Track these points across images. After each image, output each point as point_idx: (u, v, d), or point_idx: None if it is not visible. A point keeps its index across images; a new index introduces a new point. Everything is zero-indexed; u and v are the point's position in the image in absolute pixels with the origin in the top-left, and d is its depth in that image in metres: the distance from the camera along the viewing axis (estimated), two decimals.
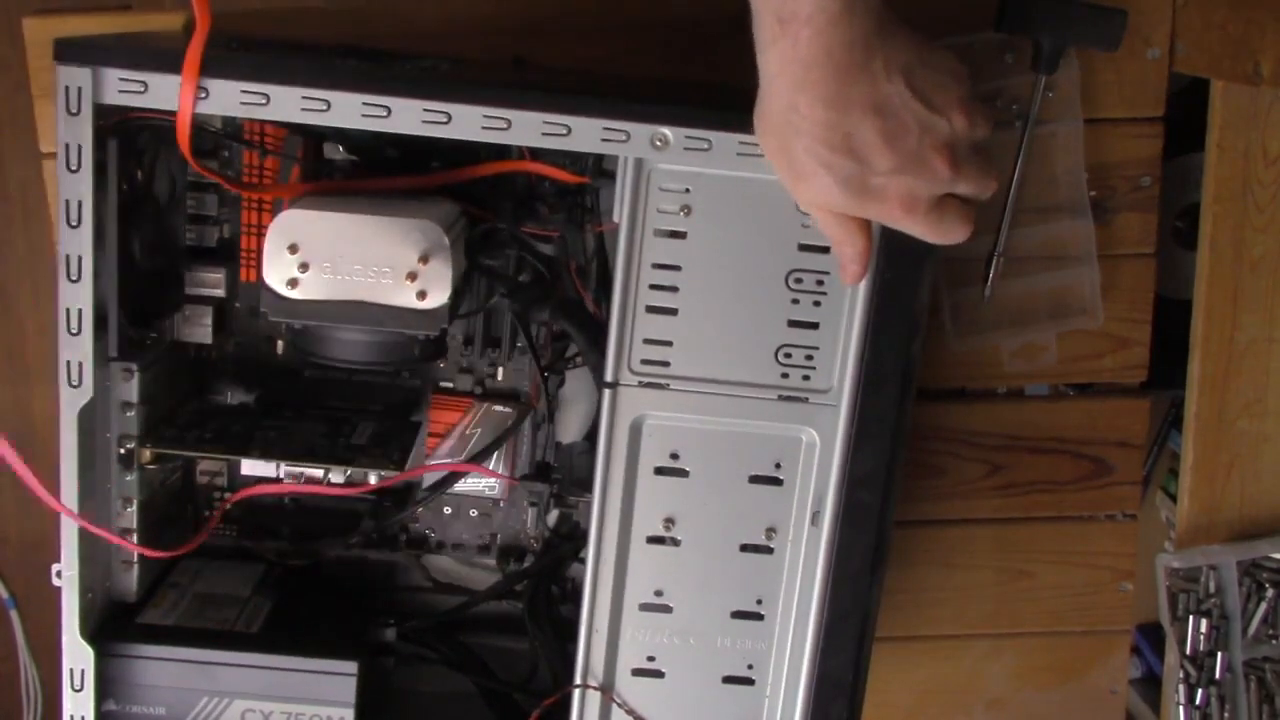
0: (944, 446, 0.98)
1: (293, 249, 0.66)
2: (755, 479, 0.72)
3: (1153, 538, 1.07)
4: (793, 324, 0.70)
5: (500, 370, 0.82)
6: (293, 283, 0.67)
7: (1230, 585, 1.00)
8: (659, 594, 0.73)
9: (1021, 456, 0.98)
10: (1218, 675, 1.01)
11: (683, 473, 0.71)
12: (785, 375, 0.70)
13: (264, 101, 0.64)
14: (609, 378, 0.69)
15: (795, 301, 0.69)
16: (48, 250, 0.89)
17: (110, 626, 0.72)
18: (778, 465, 0.72)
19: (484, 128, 0.65)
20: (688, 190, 0.67)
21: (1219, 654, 1.00)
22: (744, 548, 0.73)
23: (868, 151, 0.61)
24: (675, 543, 0.72)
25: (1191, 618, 1.00)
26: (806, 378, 0.70)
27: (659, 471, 0.71)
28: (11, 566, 1.09)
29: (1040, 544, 1.00)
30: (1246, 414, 0.98)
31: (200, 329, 0.76)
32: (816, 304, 0.69)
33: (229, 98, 0.64)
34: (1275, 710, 1.01)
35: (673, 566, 0.73)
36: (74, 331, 0.66)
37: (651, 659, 0.74)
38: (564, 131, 0.65)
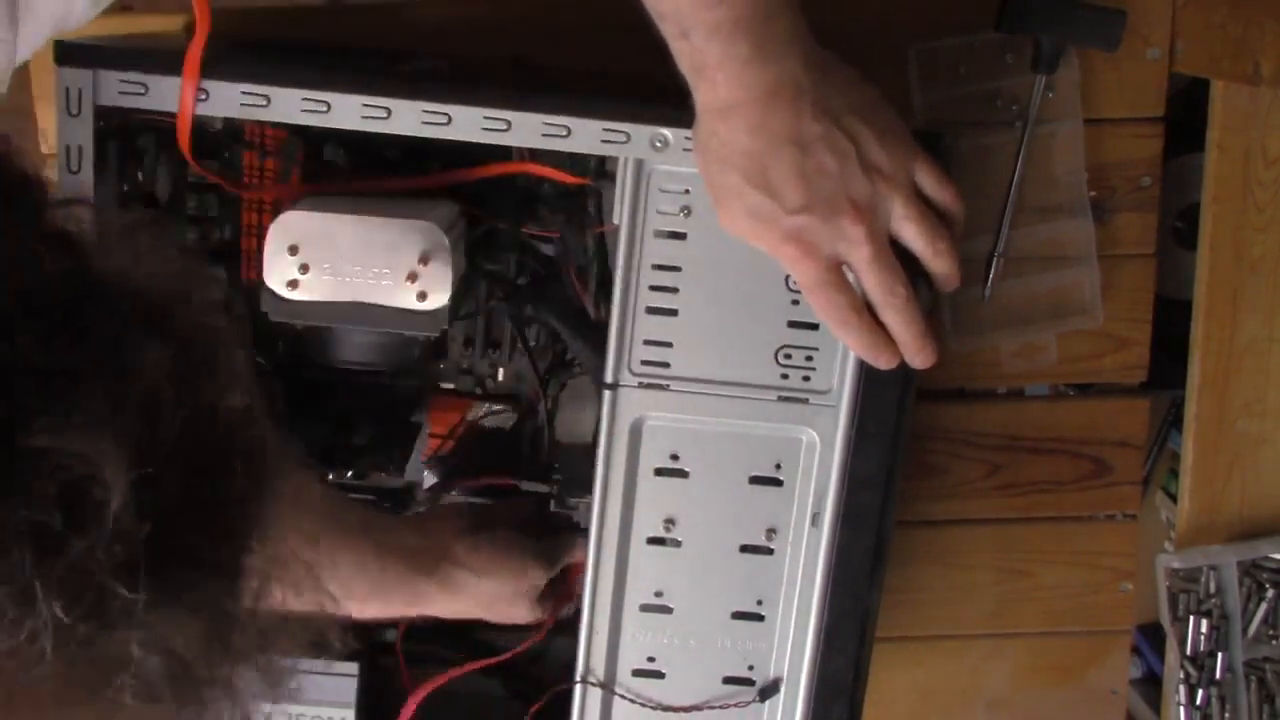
0: (944, 446, 0.97)
1: (293, 250, 0.66)
2: (755, 479, 0.72)
3: (1153, 538, 1.07)
4: (792, 325, 0.70)
5: (501, 371, 0.82)
6: (293, 284, 0.67)
7: (1230, 585, 1.00)
8: (659, 595, 0.73)
9: (1021, 456, 0.98)
10: (1218, 675, 1.00)
11: (683, 473, 0.71)
12: (785, 376, 0.70)
13: (264, 103, 0.64)
14: (609, 379, 0.69)
15: (795, 302, 0.69)
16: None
17: None
18: (778, 466, 0.71)
19: (484, 129, 0.65)
20: (688, 191, 0.67)
21: (1219, 654, 1.00)
22: (744, 548, 0.73)
23: (780, 185, 0.60)
24: (676, 544, 0.72)
25: (1192, 618, 1.00)
26: (806, 378, 0.70)
27: (659, 472, 0.71)
28: None
29: (1040, 544, 1.00)
30: (1246, 414, 0.98)
31: None
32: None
33: (229, 99, 0.64)
34: (1275, 710, 1.01)
35: (673, 567, 0.73)
36: None
37: (652, 659, 0.74)
38: (564, 133, 0.65)
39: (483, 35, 0.87)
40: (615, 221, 0.69)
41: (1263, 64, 0.90)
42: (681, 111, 0.66)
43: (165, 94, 0.64)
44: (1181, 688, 1.01)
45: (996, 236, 0.90)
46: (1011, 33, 0.88)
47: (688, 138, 0.66)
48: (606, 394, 0.69)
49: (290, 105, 0.65)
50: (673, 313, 0.69)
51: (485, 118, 0.65)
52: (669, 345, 0.69)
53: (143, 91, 0.64)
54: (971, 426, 0.97)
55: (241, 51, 0.69)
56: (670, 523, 0.72)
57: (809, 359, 0.70)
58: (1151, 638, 1.11)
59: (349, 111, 0.65)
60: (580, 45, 0.86)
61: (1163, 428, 1.10)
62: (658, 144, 0.66)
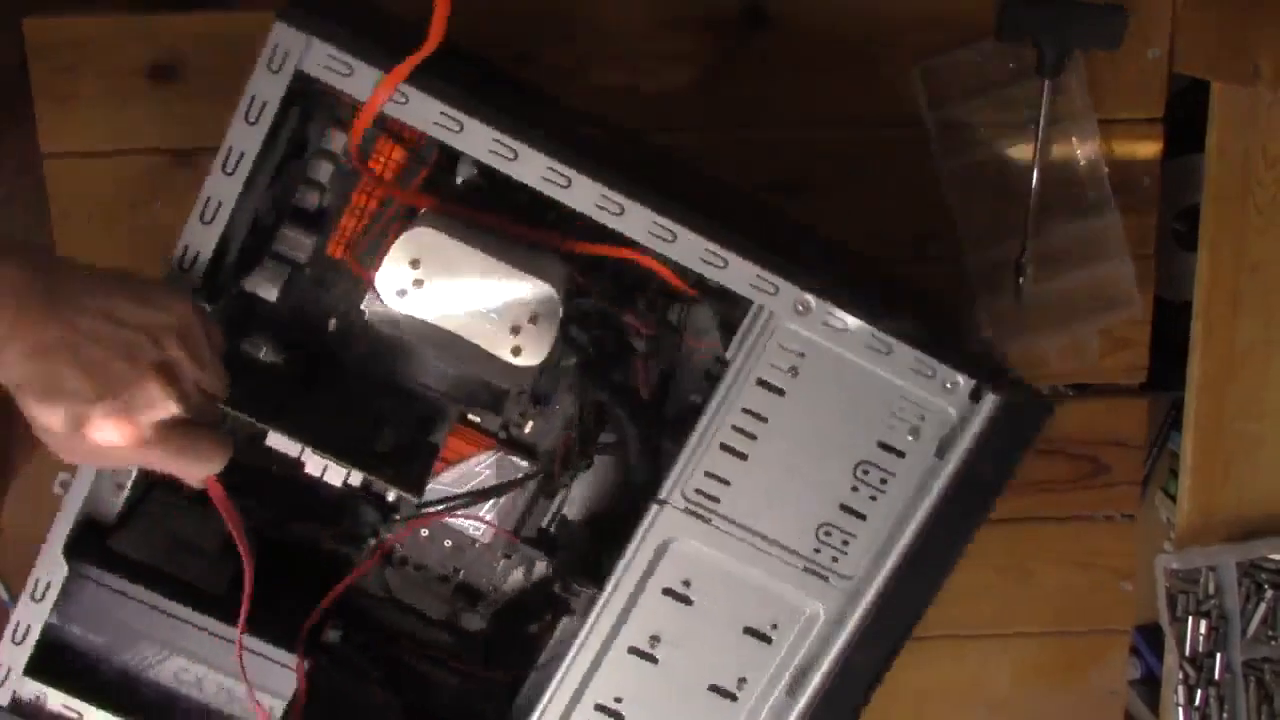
0: None
1: (414, 263, 0.66)
2: (749, 630, 0.73)
3: (1152, 538, 1.07)
4: (844, 508, 0.70)
5: (529, 424, 0.81)
6: (402, 293, 0.67)
7: (1229, 586, 1.00)
8: (618, 700, 0.73)
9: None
10: (1217, 676, 1.01)
11: (687, 600, 0.72)
12: (818, 550, 0.71)
13: (458, 129, 0.64)
14: (662, 495, 0.70)
15: (855, 489, 0.70)
16: (50, 248, 0.89)
17: (83, 545, 0.71)
18: (774, 625, 0.72)
19: (651, 233, 0.66)
20: (803, 355, 0.68)
21: (1218, 655, 1.00)
22: (712, 688, 0.73)
23: (72, 389, 0.60)
24: (653, 660, 0.73)
25: (1190, 618, 1.00)
26: (835, 559, 0.71)
27: (666, 592, 0.72)
28: (9, 565, 1.09)
29: (1040, 544, 1.00)
30: (1245, 416, 0.98)
31: (270, 286, 0.74)
32: (873, 498, 0.70)
33: (425, 113, 0.64)
34: (1274, 711, 1.01)
35: (641, 681, 0.73)
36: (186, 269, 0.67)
37: None
38: (721, 264, 0.66)
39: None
40: (729, 356, 0.69)
41: (1263, 64, 0.90)
42: (826, 280, 0.67)
43: (364, 82, 0.64)
44: (1180, 688, 1.01)
45: (1024, 238, 0.91)
46: (1012, 41, 0.88)
47: (831, 314, 0.67)
48: (653, 507, 0.70)
49: (480, 141, 0.64)
50: (743, 457, 0.69)
51: (655, 223, 0.65)
52: (727, 484, 0.70)
53: (347, 73, 0.63)
54: None
55: (443, 60, 0.67)
56: (655, 639, 0.72)
57: (845, 543, 0.71)
58: (1151, 638, 1.11)
59: (534, 168, 0.64)
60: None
61: (1162, 428, 1.10)
62: (800, 308, 0.67)
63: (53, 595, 0.70)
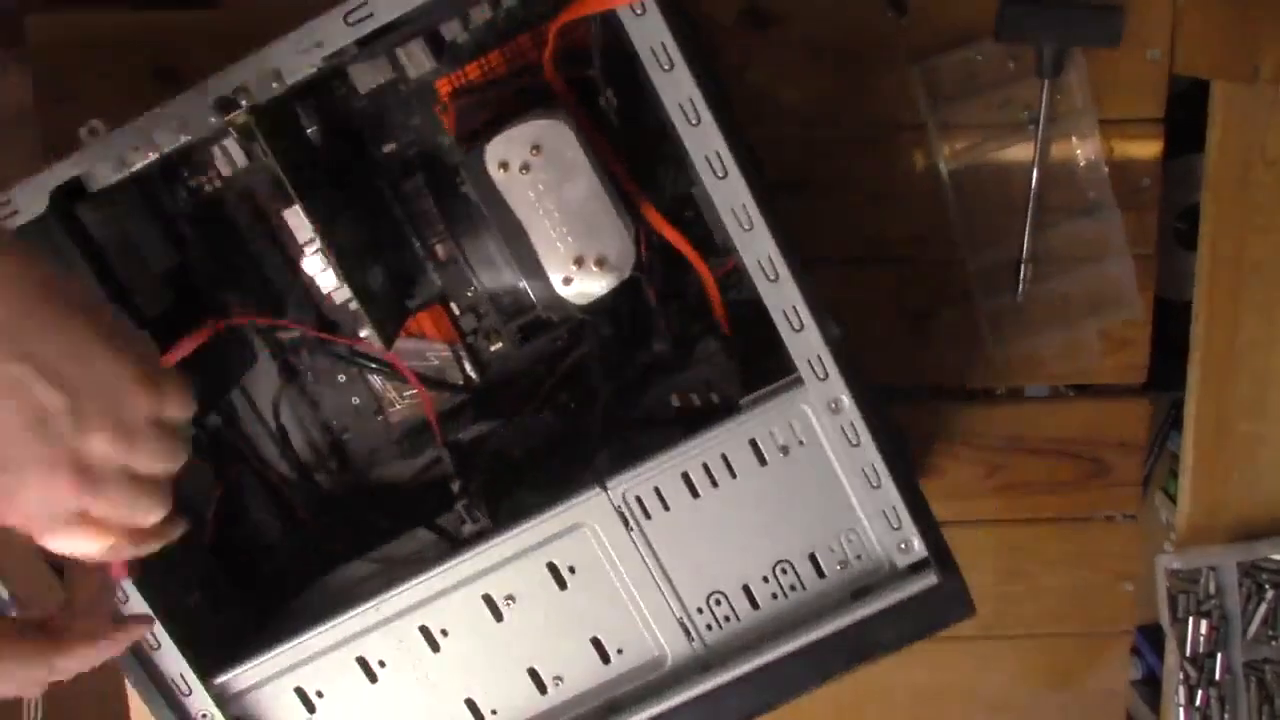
0: (944, 447, 0.98)
1: (535, 149, 0.65)
2: (595, 641, 0.71)
3: (1153, 539, 1.07)
4: (745, 589, 0.70)
5: (498, 344, 0.79)
6: (504, 167, 0.65)
7: (1230, 586, 1.00)
8: (444, 634, 0.71)
9: (1021, 457, 0.98)
10: (1218, 676, 1.01)
11: (563, 584, 0.71)
12: (700, 611, 0.70)
13: (668, 67, 0.62)
14: (610, 481, 0.69)
15: (765, 580, 0.70)
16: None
17: (58, 196, 0.65)
18: (619, 650, 0.71)
19: (760, 263, 0.64)
20: (802, 443, 0.67)
21: (1219, 655, 1.00)
22: (531, 671, 0.72)
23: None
24: (498, 617, 0.71)
25: (1191, 619, 1.00)
26: (710, 627, 0.70)
27: (550, 566, 0.70)
28: (12, 565, 1.09)
29: (1040, 544, 1.00)
30: (1246, 415, 0.98)
31: (367, 79, 0.71)
32: (774, 596, 0.70)
33: (652, 34, 0.61)
34: (1275, 711, 1.01)
35: (474, 628, 0.71)
36: None
37: (383, 664, 0.72)
38: (798, 327, 0.65)
39: None
40: (741, 402, 0.68)
41: (1263, 64, 0.90)
42: (871, 395, 0.66)
43: None
44: (1181, 689, 1.01)
45: (1023, 239, 0.91)
46: (1011, 41, 0.88)
47: (856, 423, 0.66)
48: (593, 489, 0.69)
49: (680, 89, 0.62)
50: (695, 494, 0.69)
51: (769, 257, 0.64)
52: (667, 509, 0.69)
53: None
54: (971, 427, 0.97)
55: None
56: (510, 600, 0.71)
57: (726, 619, 0.70)
58: (1152, 639, 1.11)
59: (706, 143, 0.62)
60: None
61: (1163, 428, 1.10)
62: (833, 405, 0.66)
63: (11, 223, 0.65)
